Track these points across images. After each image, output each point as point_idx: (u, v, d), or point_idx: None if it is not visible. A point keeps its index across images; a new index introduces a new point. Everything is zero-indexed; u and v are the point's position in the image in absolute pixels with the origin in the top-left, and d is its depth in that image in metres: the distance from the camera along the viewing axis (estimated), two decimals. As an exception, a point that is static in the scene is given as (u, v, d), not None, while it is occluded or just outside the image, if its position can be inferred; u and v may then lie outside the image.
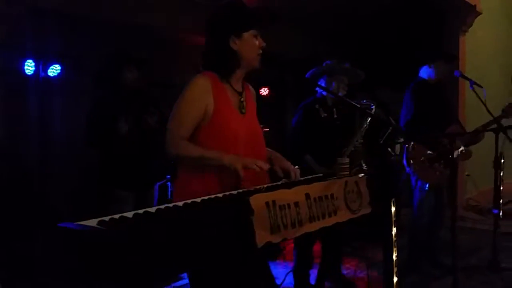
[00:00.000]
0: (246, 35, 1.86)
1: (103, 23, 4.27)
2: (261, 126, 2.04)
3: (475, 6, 6.07)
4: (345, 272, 3.69)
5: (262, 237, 1.21)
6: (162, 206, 1.26)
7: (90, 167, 3.62)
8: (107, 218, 1.08)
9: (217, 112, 1.81)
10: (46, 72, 4.05)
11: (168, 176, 4.29)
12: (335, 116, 3.31)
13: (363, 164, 2.86)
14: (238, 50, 1.86)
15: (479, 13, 6.19)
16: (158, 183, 3.72)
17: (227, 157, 1.71)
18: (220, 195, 1.47)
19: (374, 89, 5.64)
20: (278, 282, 1.99)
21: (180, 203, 1.30)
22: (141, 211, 1.17)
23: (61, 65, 4.08)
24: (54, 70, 4.08)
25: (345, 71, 3.23)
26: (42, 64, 4.02)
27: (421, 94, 3.60)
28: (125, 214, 1.12)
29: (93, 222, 1.06)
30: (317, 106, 3.27)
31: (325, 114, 3.27)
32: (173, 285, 3.56)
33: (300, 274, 3.24)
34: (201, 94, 1.80)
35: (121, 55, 3.38)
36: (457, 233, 3.11)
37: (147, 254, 1.01)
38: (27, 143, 4.15)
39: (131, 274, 0.98)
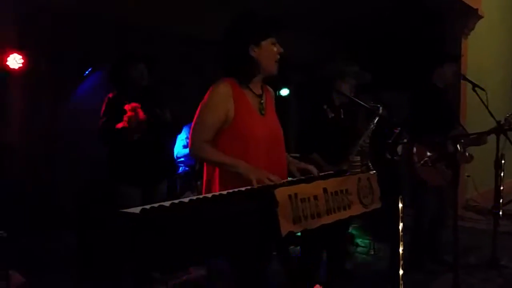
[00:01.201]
0: (264, 43, 1.98)
1: (108, 22, 4.34)
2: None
3: (476, 9, 6.17)
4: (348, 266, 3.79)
5: (285, 226, 1.32)
6: (194, 197, 1.36)
7: (97, 164, 3.73)
8: (148, 207, 1.19)
9: (238, 116, 1.93)
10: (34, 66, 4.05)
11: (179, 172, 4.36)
12: (342, 116, 3.42)
13: (370, 164, 2.97)
14: (257, 58, 1.97)
15: (481, 17, 6.29)
16: (167, 180, 3.83)
17: (243, 166, 1.81)
18: (243, 189, 1.57)
19: (379, 92, 5.74)
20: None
21: (209, 195, 1.41)
22: (176, 201, 1.28)
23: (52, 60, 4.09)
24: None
25: (354, 73, 3.33)
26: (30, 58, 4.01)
27: (430, 97, 3.70)
28: (163, 204, 1.23)
29: (136, 210, 1.16)
30: (325, 106, 3.37)
31: (333, 115, 3.37)
32: (184, 277, 3.67)
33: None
34: (222, 101, 1.93)
35: (130, 54, 3.48)
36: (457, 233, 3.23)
37: (182, 239, 1.11)
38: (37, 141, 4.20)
39: (172, 256, 1.08)
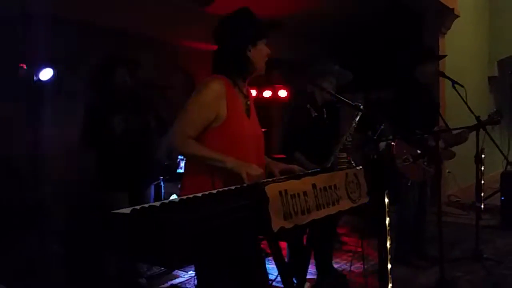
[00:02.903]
0: (259, 43, 1.97)
1: (96, 27, 4.31)
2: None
3: (453, 9, 6.32)
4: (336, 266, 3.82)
5: (276, 222, 1.33)
6: (184, 197, 1.36)
7: (84, 170, 3.69)
8: (138, 207, 1.18)
9: (230, 116, 1.89)
10: (38, 76, 4.06)
11: (161, 178, 4.36)
12: (325, 115, 3.46)
13: (352, 162, 3.00)
14: (252, 58, 1.96)
15: (457, 16, 6.45)
16: (153, 183, 3.81)
17: (230, 161, 1.79)
18: (232, 187, 1.57)
19: (368, 91, 5.83)
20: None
21: (199, 194, 1.41)
22: (166, 201, 1.27)
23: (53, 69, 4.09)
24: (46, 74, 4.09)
25: (335, 72, 3.36)
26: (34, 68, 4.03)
27: (412, 94, 3.77)
28: (153, 204, 1.22)
29: (127, 210, 1.15)
30: (308, 105, 3.40)
31: (316, 114, 3.40)
32: (170, 283, 3.65)
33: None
34: (215, 99, 1.87)
35: (113, 58, 3.46)
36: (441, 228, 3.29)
37: (174, 237, 1.11)
38: (20, 146, 4.15)
39: (162, 253, 1.08)
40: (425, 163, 3.68)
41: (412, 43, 5.87)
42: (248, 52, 1.95)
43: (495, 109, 3.84)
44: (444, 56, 4.32)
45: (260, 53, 1.98)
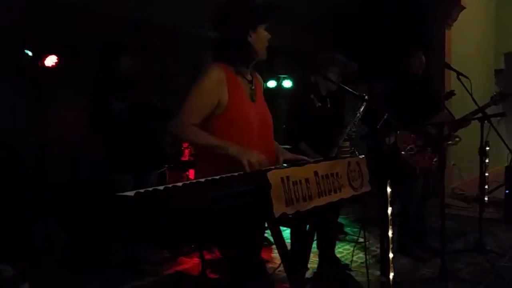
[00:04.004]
0: (259, 28, 1.97)
1: (99, 14, 4.31)
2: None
3: (459, 1, 6.27)
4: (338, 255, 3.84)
5: (278, 208, 1.34)
6: (188, 181, 1.37)
7: (89, 155, 3.73)
8: (142, 190, 1.20)
9: (232, 102, 1.90)
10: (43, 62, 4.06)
11: (166, 166, 4.40)
12: (329, 105, 3.45)
13: (356, 152, 3.01)
14: (252, 43, 1.96)
15: (463, 8, 6.39)
16: (158, 171, 3.86)
17: (233, 148, 1.78)
18: (235, 173, 1.59)
19: (372, 83, 5.81)
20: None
21: (202, 179, 1.42)
22: (169, 185, 1.29)
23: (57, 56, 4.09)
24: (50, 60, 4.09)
25: (339, 62, 3.35)
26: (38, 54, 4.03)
27: (405, 84, 3.77)
28: (157, 187, 1.24)
29: (131, 193, 1.17)
30: (312, 96, 3.40)
31: (319, 104, 3.40)
32: (174, 269, 3.68)
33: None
34: (216, 86, 1.88)
35: (116, 44, 3.49)
36: (443, 219, 3.29)
37: (176, 219, 1.12)
38: (24, 133, 4.18)
39: (164, 234, 1.10)
40: (429, 152, 3.68)
41: (418, 35, 5.84)
42: (249, 38, 1.95)
43: (498, 91, 3.81)
44: (432, 47, 4.29)
45: (260, 38, 1.98)
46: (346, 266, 3.57)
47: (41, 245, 3.84)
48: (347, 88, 2.34)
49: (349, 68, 3.40)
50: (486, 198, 3.96)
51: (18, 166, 4.13)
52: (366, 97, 3.01)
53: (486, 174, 3.97)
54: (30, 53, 3.94)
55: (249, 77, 2.05)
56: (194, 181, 1.41)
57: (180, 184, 1.30)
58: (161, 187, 1.25)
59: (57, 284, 3.29)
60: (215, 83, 1.89)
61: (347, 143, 2.02)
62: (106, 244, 3.52)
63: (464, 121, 3.71)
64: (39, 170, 4.19)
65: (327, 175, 1.59)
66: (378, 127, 2.33)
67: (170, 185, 1.29)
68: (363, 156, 1.88)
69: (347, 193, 1.70)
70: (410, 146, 3.59)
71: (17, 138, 4.11)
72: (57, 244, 3.93)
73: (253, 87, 2.04)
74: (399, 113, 3.57)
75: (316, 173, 1.54)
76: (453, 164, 6.24)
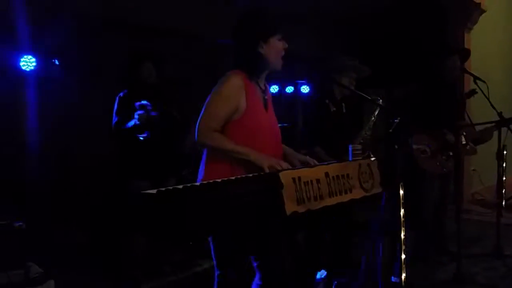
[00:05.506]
0: (272, 39, 2.05)
1: (115, 22, 4.42)
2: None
3: (479, 4, 6.22)
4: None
5: (290, 207, 1.42)
6: (205, 182, 1.47)
7: (104, 160, 3.83)
8: (163, 189, 1.29)
9: (249, 109, 1.99)
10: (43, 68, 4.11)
11: (183, 173, 4.46)
12: (344, 110, 3.51)
13: (371, 155, 3.05)
14: (264, 54, 2.04)
15: (484, 11, 6.34)
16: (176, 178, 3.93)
17: (254, 154, 1.87)
18: (250, 175, 1.67)
19: (390, 88, 5.82)
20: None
21: (219, 180, 1.51)
22: (188, 185, 1.38)
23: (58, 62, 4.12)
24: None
25: (354, 67, 3.41)
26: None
27: (435, 90, 3.77)
28: (177, 186, 1.34)
29: (153, 191, 1.27)
30: (327, 101, 3.46)
31: (334, 108, 3.46)
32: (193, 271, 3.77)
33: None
34: (235, 92, 1.97)
35: (139, 53, 3.60)
36: (462, 224, 3.29)
37: (194, 217, 1.22)
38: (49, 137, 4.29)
39: (184, 230, 1.19)
40: (444, 157, 3.69)
41: (436, 39, 5.83)
42: (260, 49, 2.03)
43: None
44: (468, 51, 4.27)
45: (273, 49, 2.05)
46: (359, 267, 3.60)
47: (65, 245, 3.96)
48: (359, 92, 2.40)
49: (362, 73, 3.45)
50: (504, 203, 3.92)
51: (44, 170, 4.26)
52: (380, 101, 3.07)
53: (504, 178, 3.93)
54: (57, 62, 4.06)
55: (262, 86, 2.13)
56: (211, 181, 1.49)
57: (198, 183, 1.40)
58: (180, 186, 1.34)
59: (80, 282, 3.40)
60: (236, 89, 1.97)
61: (359, 146, 2.08)
62: (127, 244, 3.62)
63: (484, 135, 3.71)
64: (62, 172, 4.32)
65: (337, 176, 1.66)
66: (390, 130, 2.38)
67: (189, 185, 1.38)
68: (374, 158, 1.94)
69: (357, 194, 1.76)
70: (423, 149, 3.61)
71: (43, 143, 4.23)
72: (80, 244, 4.05)
73: (266, 96, 2.12)
74: (419, 117, 3.62)
75: (327, 174, 1.61)
76: (473, 170, 6.19)
